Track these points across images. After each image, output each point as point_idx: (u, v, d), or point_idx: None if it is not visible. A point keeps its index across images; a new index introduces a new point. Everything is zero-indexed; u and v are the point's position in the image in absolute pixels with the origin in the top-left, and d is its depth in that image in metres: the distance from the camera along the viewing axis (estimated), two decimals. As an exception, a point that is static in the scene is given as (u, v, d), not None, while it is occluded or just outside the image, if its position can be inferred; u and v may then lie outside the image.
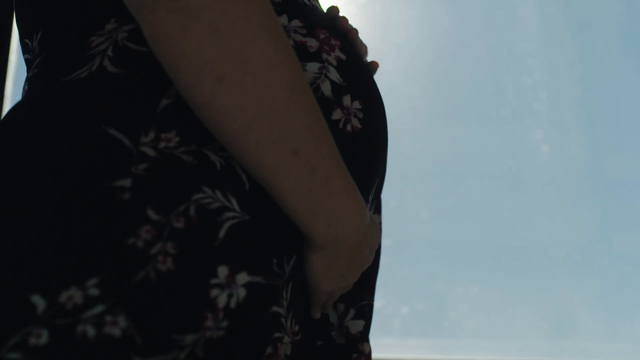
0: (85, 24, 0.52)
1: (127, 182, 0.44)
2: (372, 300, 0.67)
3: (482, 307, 1.54)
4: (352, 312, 0.64)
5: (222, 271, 0.44)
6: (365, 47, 0.69)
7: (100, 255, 0.41)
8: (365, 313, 0.65)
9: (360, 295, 0.65)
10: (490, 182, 1.66)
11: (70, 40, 0.51)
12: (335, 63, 0.56)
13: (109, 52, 0.49)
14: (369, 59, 1.84)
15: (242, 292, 0.45)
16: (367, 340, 0.65)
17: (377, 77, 1.70)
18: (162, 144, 0.46)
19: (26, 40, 0.57)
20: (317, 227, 0.49)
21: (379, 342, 1.43)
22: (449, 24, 1.82)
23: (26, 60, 0.59)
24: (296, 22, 0.56)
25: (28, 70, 0.57)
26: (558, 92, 1.80)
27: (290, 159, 0.45)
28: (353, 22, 1.72)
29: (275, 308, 0.48)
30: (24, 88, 0.56)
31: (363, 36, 1.71)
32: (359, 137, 0.56)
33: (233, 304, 0.44)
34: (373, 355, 1.37)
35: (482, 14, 1.87)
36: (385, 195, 1.58)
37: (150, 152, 0.45)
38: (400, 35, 1.76)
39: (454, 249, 1.56)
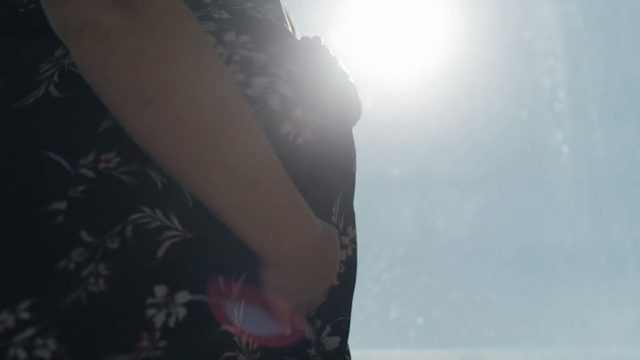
0: (38, 52, 0.53)
1: (62, 205, 0.44)
2: (349, 317, 0.66)
3: (502, 314, 1.49)
4: (328, 329, 0.63)
5: (160, 290, 0.44)
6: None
7: (32, 280, 0.42)
8: (342, 329, 0.64)
9: (337, 311, 0.64)
10: (508, 186, 1.62)
11: (22, 69, 0.52)
12: (285, 76, 0.55)
13: (55, 78, 0.50)
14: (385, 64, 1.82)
15: (182, 312, 0.44)
16: (343, 357, 0.64)
17: (392, 82, 1.68)
18: (102, 165, 0.46)
19: None
20: (264, 244, 0.49)
21: (393, 354, 1.40)
22: (465, 25, 1.79)
23: None
24: (245, 38, 0.55)
25: None
26: (579, 91, 1.75)
27: (227, 178, 0.45)
28: (371, 24, 1.70)
29: (224, 327, 0.47)
30: None
31: (383, 37, 1.69)
32: (313, 149, 0.55)
33: (172, 323, 0.44)
34: (390, 367, 1.35)
35: (500, 13, 1.84)
36: (400, 204, 1.56)
37: (89, 174, 0.46)
38: (415, 37, 1.74)
39: (472, 255, 1.53)
